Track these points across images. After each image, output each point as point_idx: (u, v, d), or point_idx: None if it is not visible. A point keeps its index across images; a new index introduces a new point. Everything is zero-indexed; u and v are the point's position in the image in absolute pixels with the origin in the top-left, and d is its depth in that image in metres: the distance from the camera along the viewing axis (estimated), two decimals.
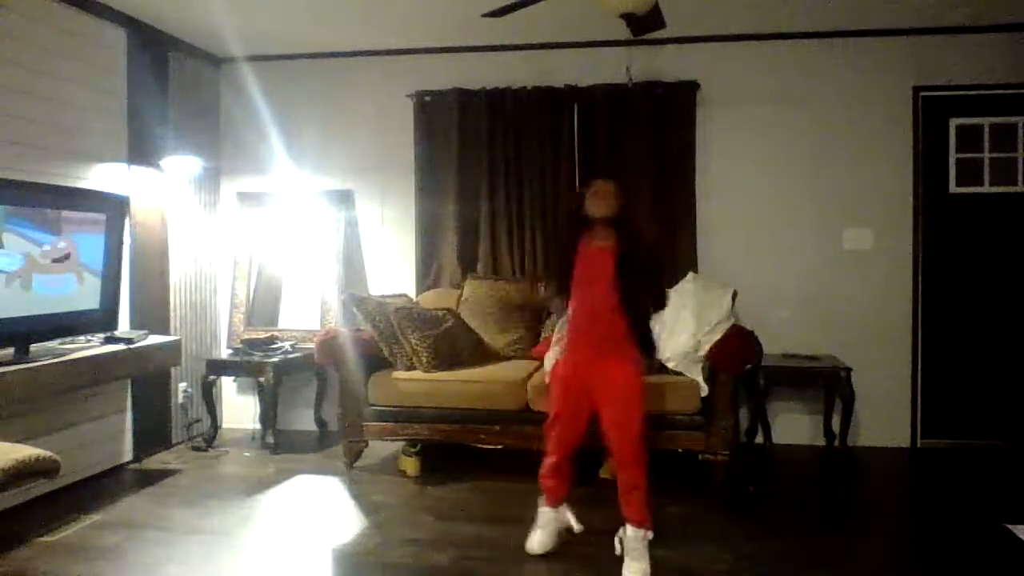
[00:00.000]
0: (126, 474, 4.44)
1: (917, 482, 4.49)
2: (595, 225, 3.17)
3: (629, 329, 3.12)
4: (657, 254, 3.41)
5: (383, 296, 4.74)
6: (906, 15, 4.58)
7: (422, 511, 3.82)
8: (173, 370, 4.85)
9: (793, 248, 4.96)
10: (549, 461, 3.28)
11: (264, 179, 5.39)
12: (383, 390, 4.33)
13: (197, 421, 5.13)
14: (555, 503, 3.30)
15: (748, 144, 4.99)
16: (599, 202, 3.16)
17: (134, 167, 4.60)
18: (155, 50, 4.78)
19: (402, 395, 4.30)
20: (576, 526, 3.29)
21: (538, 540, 3.26)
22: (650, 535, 3.04)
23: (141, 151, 4.63)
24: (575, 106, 5.04)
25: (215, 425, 5.01)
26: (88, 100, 4.27)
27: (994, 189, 4.87)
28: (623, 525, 3.09)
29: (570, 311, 3.24)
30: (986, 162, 4.87)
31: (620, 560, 3.08)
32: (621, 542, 3.09)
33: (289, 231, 5.39)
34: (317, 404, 5.34)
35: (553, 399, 3.31)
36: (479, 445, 4.23)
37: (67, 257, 3.83)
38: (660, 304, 3.29)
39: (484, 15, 3.52)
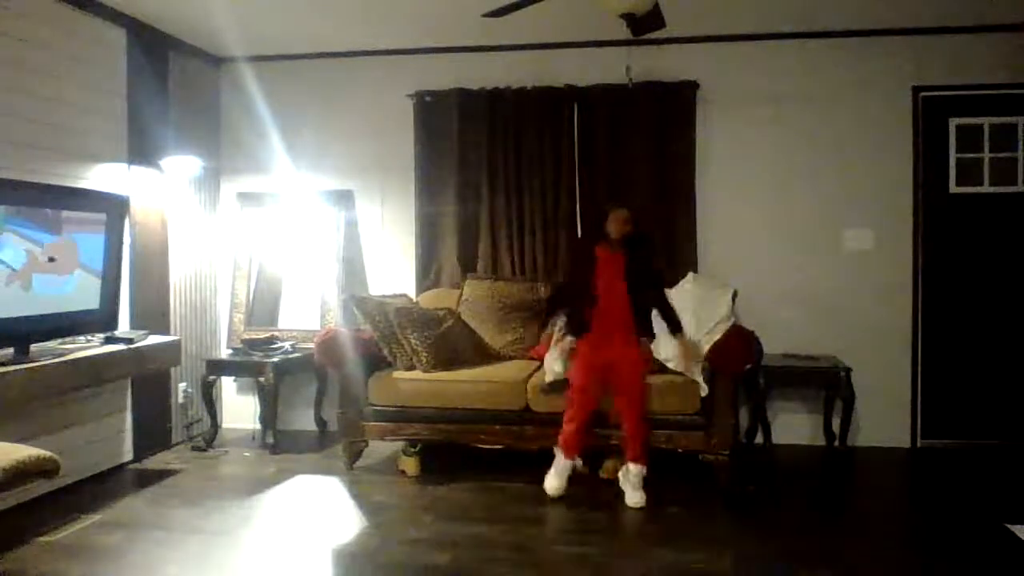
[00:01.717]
0: (126, 474, 4.44)
1: (917, 482, 4.49)
2: (611, 239, 4.08)
3: (635, 315, 4.06)
4: (655, 252, 4.56)
5: (383, 296, 4.74)
6: (906, 15, 4.58)
7: (422, 511, 3.82)
8: (173, 370, 4.85)
9: (793, 248, 4.96)
10: (570, 427, 3.92)
11: (264, 179, 5.39)
12: (383, 390, 4.33)
13: (197, 421, 5.13)
14: (572, 456, 3.93)
15: (748, 144, 4.99)
16: (619, 226, 4.06)
17: (134, 167, 4.60)
18: (155, 50, 4.78)
19: (402, 395, 4.30)
20: (581, 467, 4.01)
21: (555, 484, 3.90)
22: (644, 470, 3.86)
23: (141, 151, 4.64)
24: (575, 106, 5.04)
25: (215, 425, 5.00)
26: (88, 100, 4.27)
27: (994, 189, 4.87)
28: (624, 465, 3.90)
29: (594, 302, 4.08)
30: (986, 162, 4.87)
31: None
32: (624, 477, 3.90)
33: (289, 231, 5.39)
34: (317, 404, 5.34)
35: (576, 371, 3.98)
36: (479, 445, 4.23)
37: (67, 257, 3.83)
38: (661, 284, 4.28)
39: (484, 15, 3.52)
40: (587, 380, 3.94)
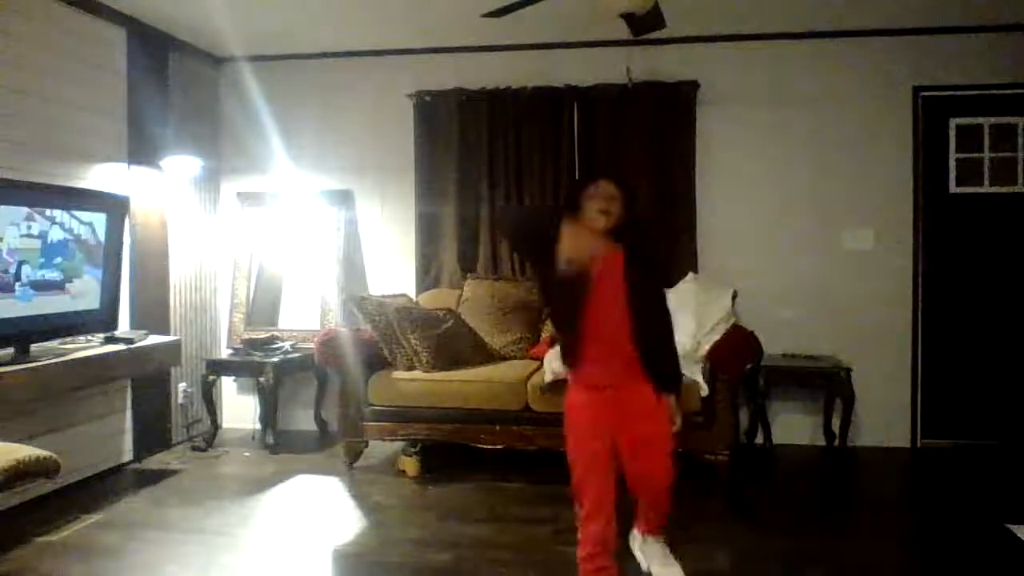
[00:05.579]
0: (126, 474, 4.44)
1: (917, 482, 4.49)
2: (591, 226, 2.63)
3: (637, 344, 2.63)
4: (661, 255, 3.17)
5: (383, 296, 4.73)
6: (906, 15, 4.58)
7: (422, 511, 3.82)
8: (173, 370, 4.85)
9: (793, 248, 4.95)
10: (590, 548, 2.64)
11: (264, 179, 5.39)
12: (383, 390, 4.33)
13: (197, 421, 5.13)
14: None
15: (748, 144, 4.99)
16: (603, 206, 2.65)
17: (134, 167, 4.60)
18: (155, 50, 4.78)
19: (402, 395, 4.30)
20: None
21: None
22: (665, 537, 2.95)
23: (141, 151, 4.63)
24: (575, 106, 5.03)
25: (215, 425, 5.00)
26: (88, 100, 4.27)
27: (994, 189, 4.87)
28: (641, 537, 2.97)
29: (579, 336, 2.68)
30: (986, 162, 4.87)
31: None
32: (642, 550, 2.98)
33: (289, 231, 5.39)
34: (317, 404, 5.34)
35: (573, 447, 2.72)
36: (479, 445, 4.23)
37: (67, 256, 3.83)
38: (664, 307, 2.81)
39: (484, 15, 3.53)
40: (589, 466, 2.65)
